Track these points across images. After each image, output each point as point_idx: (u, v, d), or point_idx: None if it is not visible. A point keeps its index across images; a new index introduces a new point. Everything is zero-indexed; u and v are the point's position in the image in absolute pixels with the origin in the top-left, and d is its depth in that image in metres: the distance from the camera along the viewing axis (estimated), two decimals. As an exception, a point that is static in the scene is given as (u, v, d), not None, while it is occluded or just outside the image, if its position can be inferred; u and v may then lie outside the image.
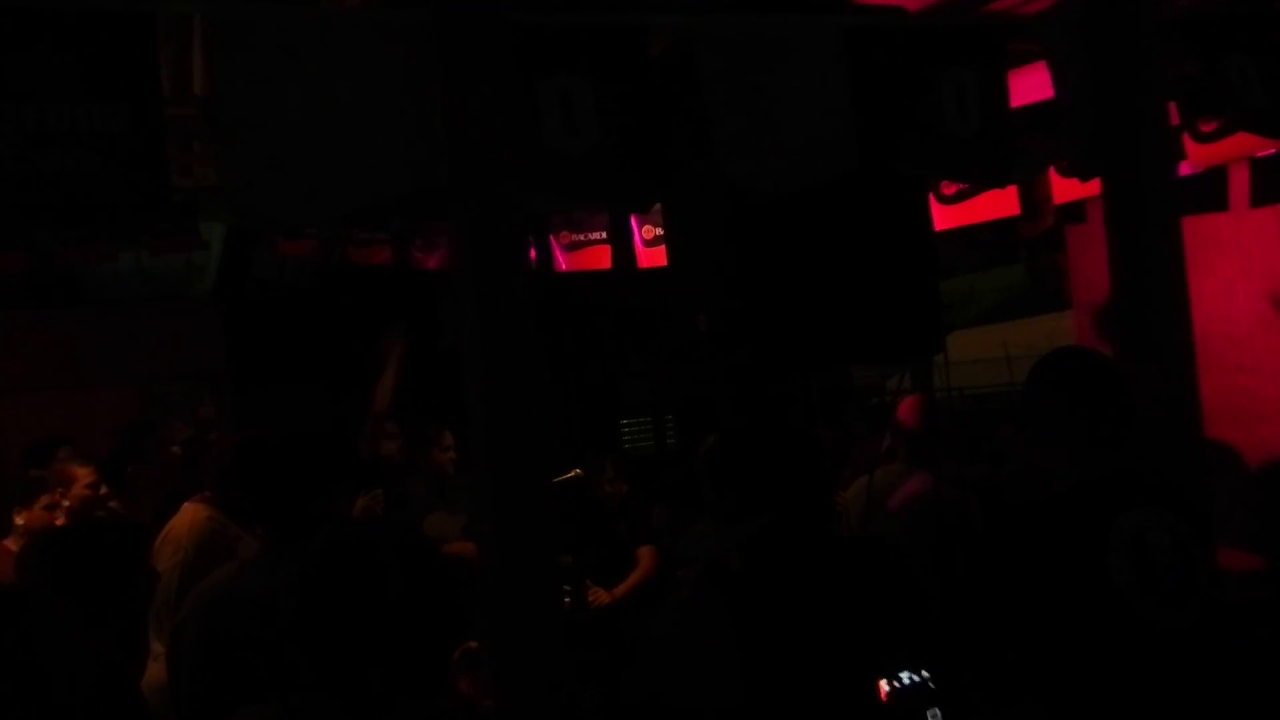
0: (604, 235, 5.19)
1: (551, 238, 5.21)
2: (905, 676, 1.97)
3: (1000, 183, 2.94)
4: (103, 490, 3.76)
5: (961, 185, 4.61)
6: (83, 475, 3.84)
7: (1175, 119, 3.42)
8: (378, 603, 1.88)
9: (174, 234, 4.13)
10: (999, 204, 4.77)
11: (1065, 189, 4.59)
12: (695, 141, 2.46)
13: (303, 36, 2.16)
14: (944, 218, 4.73)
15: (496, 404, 2.21)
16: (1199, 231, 4.47)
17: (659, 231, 4.91)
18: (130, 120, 2.07)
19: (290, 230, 4.60)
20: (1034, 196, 4.78)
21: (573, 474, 4.98)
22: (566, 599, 4.15)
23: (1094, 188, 3.35)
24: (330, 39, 2.19)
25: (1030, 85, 3.18)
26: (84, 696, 2.10)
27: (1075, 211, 4.85)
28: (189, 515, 3.49)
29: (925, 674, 1.98)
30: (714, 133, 2.39)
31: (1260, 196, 4.37)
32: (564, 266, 5.23)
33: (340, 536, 1.94)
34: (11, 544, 3.77)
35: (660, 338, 7.07)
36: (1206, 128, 3.66)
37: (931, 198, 4.56)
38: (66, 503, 3.83)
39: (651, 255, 5.15)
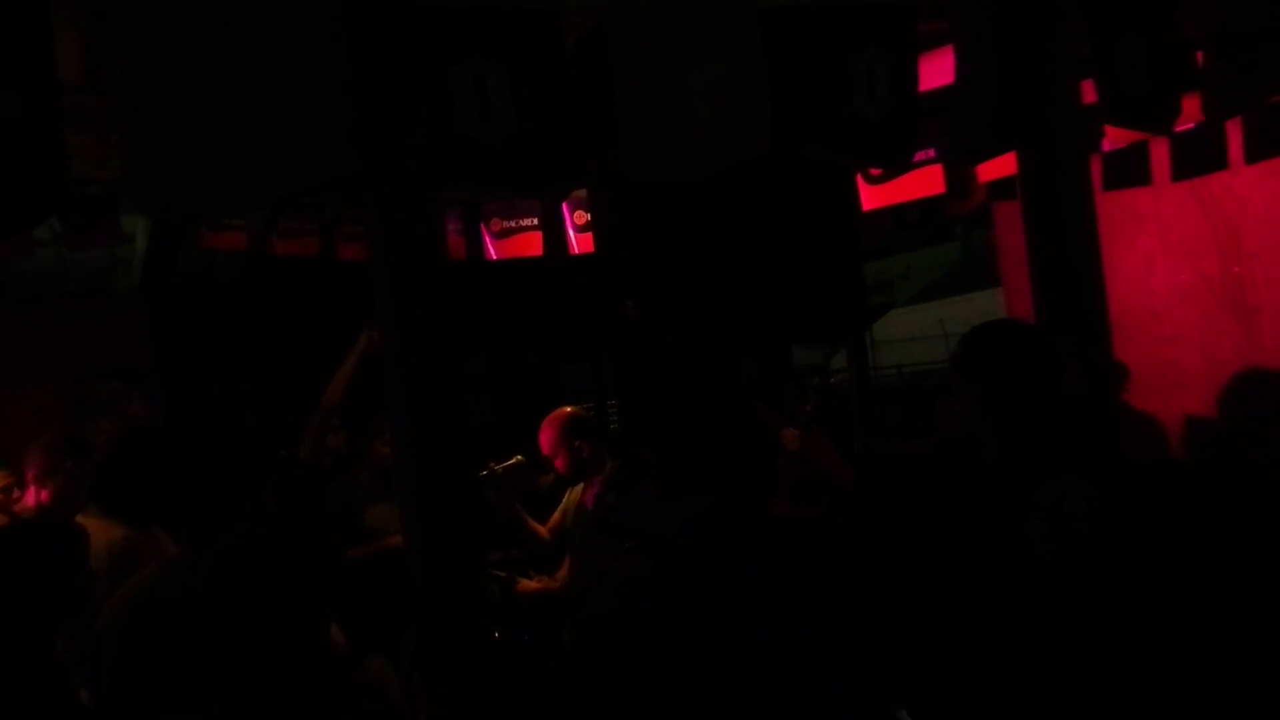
0: (535, 222, 5.14)
1: (482, 225, 5.15)
2: None
3: (905, 165, 2.95)
4: (15, 494, 3.63)
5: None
6: None
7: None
8: (295, 598, 1.86)
9: (91, 227, 4.00)
10: (927, 182, 4.81)
11: (992, 166, 4.63)
12: (609, 129, 2.43)
13: (206, 20, 2.10)
14: (871, 197, 4.76)
15: (415, 394, 2.18)
16: (1120, 205, 4.57)
17: (590, 217, 4.88)
18: (24, 109, 2.00)
19: (213, 222, 4.48)
20: (961, 174, 4.82)
21: (515, 460, 4.95)
22: (496, 586, 4.13)
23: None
24: (235, 22, 2.13)
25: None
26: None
27: (1005, 188, 4.90)
28: (104, 535, 3.31)
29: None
30: (619, 123, 2.37)
31: (1180, 171, 4.46)
32: (495, 254, 5.17)
33: (251, 535, 1.91)
34: None
35: (598, 323, 7.05)
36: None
37: (859, 177, 4.60)
38: None
39: (584, 241, 5.12)
